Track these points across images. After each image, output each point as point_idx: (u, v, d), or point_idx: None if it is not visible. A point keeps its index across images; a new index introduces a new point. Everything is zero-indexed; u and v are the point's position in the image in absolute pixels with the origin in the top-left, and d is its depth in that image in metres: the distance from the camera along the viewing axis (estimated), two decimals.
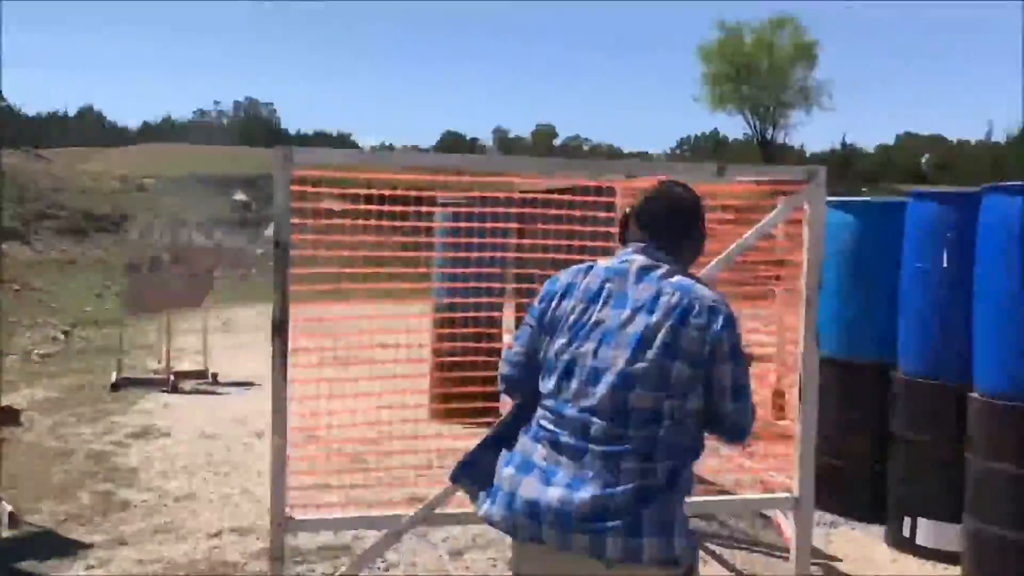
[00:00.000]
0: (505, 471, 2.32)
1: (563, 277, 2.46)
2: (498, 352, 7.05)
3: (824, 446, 5.13)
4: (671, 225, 2.46)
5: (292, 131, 66.03)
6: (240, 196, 26.98)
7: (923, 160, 56.69)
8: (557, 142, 74.50)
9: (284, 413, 3.33)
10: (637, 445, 2.21)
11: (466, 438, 4.58)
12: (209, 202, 24.44)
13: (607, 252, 4.42)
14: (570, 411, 2.27)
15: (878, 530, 5.11)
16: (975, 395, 4.41)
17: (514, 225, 6.32)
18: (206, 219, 22.45)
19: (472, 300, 5.98)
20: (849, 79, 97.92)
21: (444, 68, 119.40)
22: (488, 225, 5.17)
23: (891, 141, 65.47)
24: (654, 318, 2.26)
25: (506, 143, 73.26)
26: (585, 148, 74.15)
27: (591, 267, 2.44)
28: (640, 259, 2.38)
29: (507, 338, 7.39)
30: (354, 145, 60.34)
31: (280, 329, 3.27)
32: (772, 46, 51.34)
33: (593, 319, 2.32)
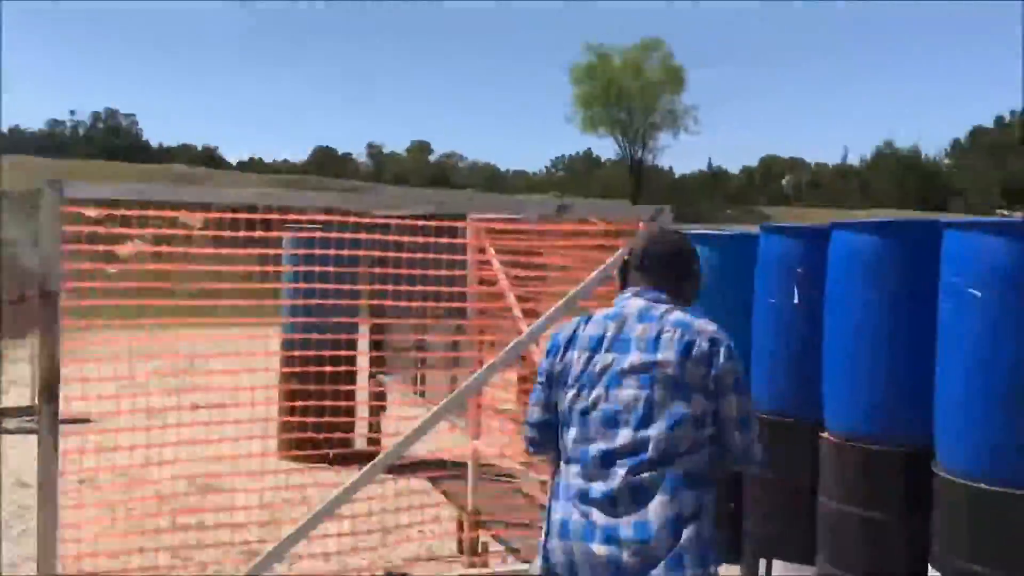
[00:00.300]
0: (551, 543, 2.36)
1: (565, 330, 2.53)
2: (353, 382, 6.70)
3: None
4: (672, 267, 2.55)
5: (155, 144, 63.41)
6: (93, 213, 25.53)
7: (784, 182, 59.05)
8: (432, 158, 74.21)
9: (55, 496, 2.84)
10: (663, 482, 2.28)
11: (311, 483, 4.27)
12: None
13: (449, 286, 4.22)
14: (594, 457, 2.34)
15: (735, 571, 4.98)
16: (825, 435, 4.31)
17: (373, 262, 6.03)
18: None
19: (327, 334, 5.61)
20: (714, 103, 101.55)
21: (317, 81, 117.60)
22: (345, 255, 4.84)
23: (754, 163, 67.92)
24: (660, 356, 2.35)
25: (380, 158, 72.50)
26: (461, 165, 74.20)
27: (590, 317, 2.51)
28: (638, 302, 2.47)
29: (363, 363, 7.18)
30: (221, 159, 58.49)
31: (49, 394, 2.79)
32: (641, 69, 52.54)
33: (599, 365, 2.40)
